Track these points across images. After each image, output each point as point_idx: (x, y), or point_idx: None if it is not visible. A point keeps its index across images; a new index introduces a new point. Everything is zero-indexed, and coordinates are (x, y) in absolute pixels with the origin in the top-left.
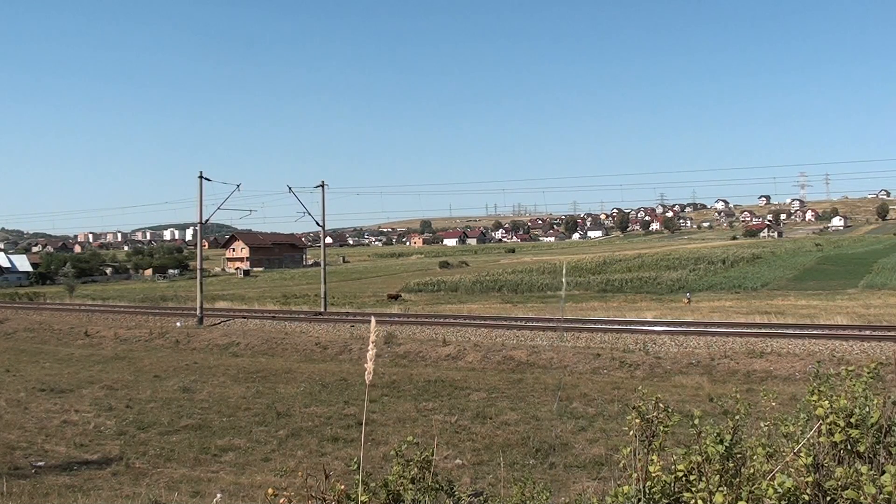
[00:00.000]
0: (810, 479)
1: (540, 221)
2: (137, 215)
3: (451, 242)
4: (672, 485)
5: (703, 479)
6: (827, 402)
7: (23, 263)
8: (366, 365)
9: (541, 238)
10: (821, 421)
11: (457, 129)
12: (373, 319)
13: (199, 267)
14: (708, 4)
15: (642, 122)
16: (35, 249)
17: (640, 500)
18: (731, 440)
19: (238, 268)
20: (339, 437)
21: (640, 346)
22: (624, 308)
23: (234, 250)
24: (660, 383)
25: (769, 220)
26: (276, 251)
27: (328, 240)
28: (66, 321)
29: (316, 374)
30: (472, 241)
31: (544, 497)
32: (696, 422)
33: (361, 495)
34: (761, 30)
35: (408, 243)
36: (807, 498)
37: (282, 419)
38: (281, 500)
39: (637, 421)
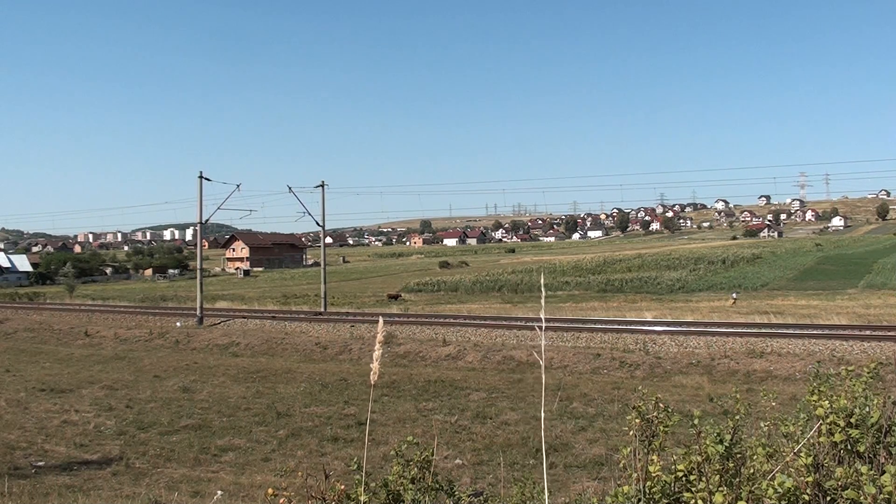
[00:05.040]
0: (810, 479)
1: (540, 221)
2: (137, 215)
3: (451, 242)
4: (672, 485)
5: (703, 479)
6: (827, 402)
7: (23, 263)
8: (372, 365)
9: (541, 238)
10: (821, 421)
11: (457, 129)
12: (381, 319)
13: (199, 267)
14: (708, 4)
15: (642, 122)
16: (35, 249)
17: (640, 500)
18: (731, 440)
19: (238, 268)
20: (339, 437)
21: (640, 346)
22: (624, 308)
23: (234, 250)
24: (660, 383)
25: (769, 220)
26: (276, 251)
27: (328, 240)
28: (66, 321)
29: (316, 374)
30: (472, 241)
31: (544, 497)
32: (696, 422)
33: (361, 495)
34: (761, 29)
35: (408, 243)
36: (807, 498)
37: (282, 419)
38: (281, 500)
39: (637, 421)
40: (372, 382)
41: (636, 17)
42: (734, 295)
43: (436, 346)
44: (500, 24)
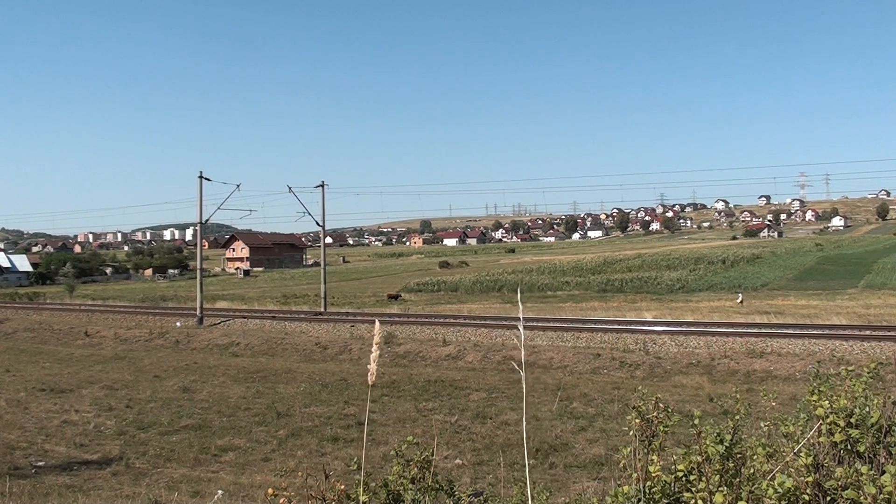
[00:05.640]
0: (810, 479)
1: (540, 221)
2: (137, 215)
3: (451, 242)
4: (672, 485)
5: (703, 479)
6: (827, 402)
7: (23, 263)
8: (370, 366)
9: (541, 238)
10: (821, 421)
11: (457, 129)
12: (377, 322)
13: (199, 267)
14: (708, 4)
15: (642, 122)
16: (35, 249)
17: (640, 500)
18: (731, 440)
19: (238, 268)
20: (339, 437)
21: (640, 346)
22: (624, 308)
23: (234, 250)
24: (660, 383)
25: (769, 220)
26: (276, 251)
27: (328, 240)
28: (66, 321)
29: (316, 374)
30: (472, 241)
31: (544, 497)
32: (696, 422)
33: (361, 495)
34: (761, 29)
35: (408, 243)
36: (807, 498)
37: (282, 419)
38: (281, 500)
39: (637, 421)
40: (370, 383)
41: (636, 17)
42: (740, 294)
43: (436, 346)
44: (500, 24)
